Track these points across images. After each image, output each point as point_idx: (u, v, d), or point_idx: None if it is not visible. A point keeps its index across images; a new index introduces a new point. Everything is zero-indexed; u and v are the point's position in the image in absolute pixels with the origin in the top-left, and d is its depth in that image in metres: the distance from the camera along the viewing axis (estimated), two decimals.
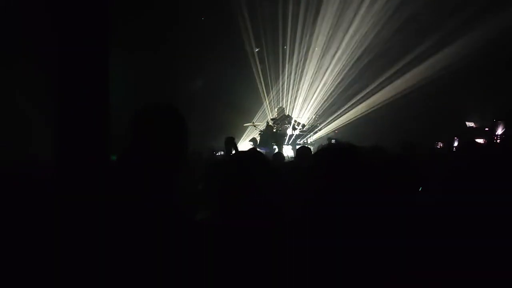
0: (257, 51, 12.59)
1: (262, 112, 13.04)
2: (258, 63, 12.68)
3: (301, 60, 12.59)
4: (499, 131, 10.09)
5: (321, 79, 12.48)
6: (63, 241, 1.33)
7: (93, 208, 1.33)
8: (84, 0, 2.62)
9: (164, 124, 1.49)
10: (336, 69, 12.22)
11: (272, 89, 12.96)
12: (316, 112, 12.50)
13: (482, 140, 8.81)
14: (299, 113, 12.73)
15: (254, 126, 12.10)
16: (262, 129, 11.71)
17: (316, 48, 12.38)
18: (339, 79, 12.26)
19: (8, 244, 1.44)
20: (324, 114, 12.56)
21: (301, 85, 12.76)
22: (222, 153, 9.30)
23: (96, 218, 1.31)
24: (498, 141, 9.60)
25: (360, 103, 12.11)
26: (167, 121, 1.50)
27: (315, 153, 1.56)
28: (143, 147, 1.45)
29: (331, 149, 1.53)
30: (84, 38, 2.62)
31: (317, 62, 12.42)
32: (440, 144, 9.33)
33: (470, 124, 11.01)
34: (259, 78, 12.78)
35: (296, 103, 12.84)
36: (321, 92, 12.51)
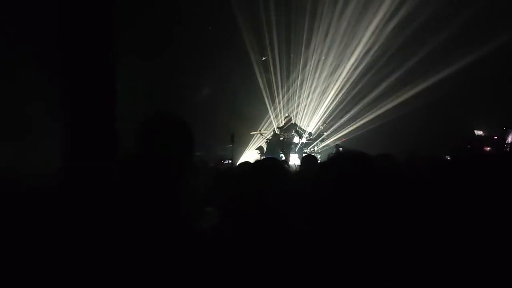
0: (264, 60, 12.63)
1: (269, 120, 13.05)
2: (264, 71, 12.72)
3: (308, 68, 12.62)
4: (509, 139, 9.98)
5: (328, 87, 12.48)
6: (68, 242, 1.33)
7: (99, 213, 1.34)
8: (90, 5, 2.65)
9: (170, 133, 1.49)
10: (343, 77, 12.22)
11: (278, 97, 12.98)
12: (323, 120, 12.48)
13: (489, 148, 8.71)
14: (306, 121, 12.72)
15: (261, 134, 12.10)
16: (268, 138, 11.70)
17: (323, 57, 12.40)
18: (346, 87, 12.25)
19: (16, 243, 1.45)
20: (331, 122, 12.53)
21: (308, 94, 12.76)
22: (229, 161, 9.30)
23: (102, 224, 1.32)
24: (508, 149, 9.49)
25: (368, 111, 12.07)
26: (173, 130, 1.50)
27: (326, 161, 1.55)
28: (149, 155, 1.46)
29: (344, 157, 1.52)
30: (91, 43, 2.65)
31: (324, 70, 12.44)
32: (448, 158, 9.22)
33: (479, 132, 10.91)
34: (266, 86, 12.80)
35: (303, 112, 12.84)
36: (328, 101, 12.50)
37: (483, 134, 10.89)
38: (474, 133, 10.86)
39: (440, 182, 1.76)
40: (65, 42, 2.63)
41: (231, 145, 9.95)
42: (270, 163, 2.11)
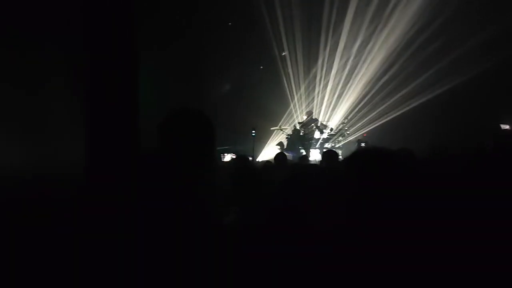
0: (284, 55, 12.58)
1: (290, 116, 13.01)
2: (285, 67, 12.68)
3: (329, 63, 12.51)
4: None
5: (350, 82, 12.35)
6: (90, 237, 1.36)
7: (120, 208, 1.36)
8: (113, 3, 2.68)
9: (192, 129, 1.50)
10: (365, 72, 12.07)
11: (299, 92, 12.92)
12: (344, 116, 12.37)
13: None
14: (327, 116, 12.62)
15: (281, 130, 12.08)
16: (289, 133, 11.67)
17: (344, 51, 12.26)
18: (367, 82, 12.10)
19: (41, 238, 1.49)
20: (352, 117, 12.40)
21: (329, 89, 12.65)
22: (250, 158, 9.29)
23: (124, 218, 1.33)
24: None
25: (390, 105, 11.89)
26: (194, 126, 1.51)
27: (350, 156, 1.54)
28: (171, 151, 1.47)
29: (369, 153, 1.50)
30: (113, 38, 2.68)
31: (345, 64, 12.30)
32: None
33: (505, 126, 10.60)
34: (286, 81, 12.76)
35: (324, 107, 12.74)
36: (349, 96, 12.38)
37: (509, 128, 10.58)
38: (500, 127, 10.56)
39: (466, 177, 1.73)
40: (87, 39, 2.67)
41: (253, 140, 9.95)
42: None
